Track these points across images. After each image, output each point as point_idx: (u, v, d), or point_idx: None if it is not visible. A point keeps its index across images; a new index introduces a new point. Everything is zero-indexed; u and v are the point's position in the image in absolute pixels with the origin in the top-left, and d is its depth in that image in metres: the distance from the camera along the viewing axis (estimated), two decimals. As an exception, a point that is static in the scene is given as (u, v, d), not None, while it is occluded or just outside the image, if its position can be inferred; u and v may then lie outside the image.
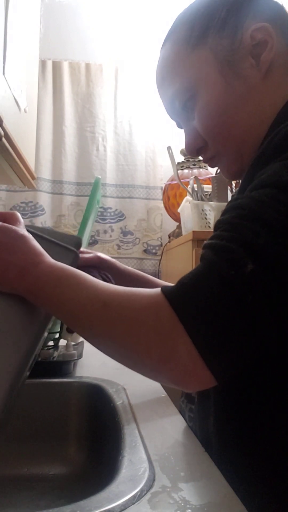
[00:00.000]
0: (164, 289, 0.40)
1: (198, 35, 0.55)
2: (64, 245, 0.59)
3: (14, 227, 0.51)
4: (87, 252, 0.77)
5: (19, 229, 0.51)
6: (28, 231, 0.53)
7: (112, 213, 2.24)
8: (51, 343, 0.97)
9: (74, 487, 0.67)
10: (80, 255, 0.65)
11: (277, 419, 0.45)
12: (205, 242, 0.42)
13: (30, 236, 0.51)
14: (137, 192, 2.26)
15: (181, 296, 0.38)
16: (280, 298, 0.36)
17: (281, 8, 0.57)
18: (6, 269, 0.47)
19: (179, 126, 0.64)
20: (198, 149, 0.60)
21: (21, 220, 0.55)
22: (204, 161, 0.62)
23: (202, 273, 0.39)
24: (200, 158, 0.66)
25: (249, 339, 0.37)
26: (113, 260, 0.79)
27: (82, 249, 0.70)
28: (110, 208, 2.24)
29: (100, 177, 1.06)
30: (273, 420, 0.45)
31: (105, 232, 2.23)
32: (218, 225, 0.43)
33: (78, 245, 0.64)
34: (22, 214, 2.14)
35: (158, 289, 0.41)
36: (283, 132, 0.45)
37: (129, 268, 0.80)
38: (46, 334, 0.57)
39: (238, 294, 0.36)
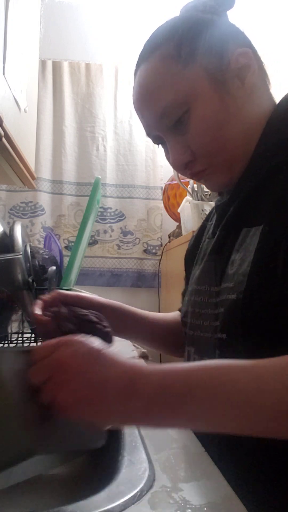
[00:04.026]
0: None
1: (188, 52, 0.56)
2: None
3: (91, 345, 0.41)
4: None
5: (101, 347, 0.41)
6: None
7: (112, 213, 2.24)
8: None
9: (74, 487, 0.67)
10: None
11: None
12: None
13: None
14: (137, 192, 2.26)
15: None
16: None
17: (245, 34, 0.61)
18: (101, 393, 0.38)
19: (157, 143, 0.63)
20: (186, 163, 0.60)
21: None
22: (190, 175, 0.62)
23: None
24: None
25: None
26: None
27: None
28: (110, 208, 2.24)
29: (100, 177, 1.06)
30: None
31: (105, 232, 2.23)
32: None
33: None
34: (22, 214, 2.15)
35: None
36: None
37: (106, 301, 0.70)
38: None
39: None
